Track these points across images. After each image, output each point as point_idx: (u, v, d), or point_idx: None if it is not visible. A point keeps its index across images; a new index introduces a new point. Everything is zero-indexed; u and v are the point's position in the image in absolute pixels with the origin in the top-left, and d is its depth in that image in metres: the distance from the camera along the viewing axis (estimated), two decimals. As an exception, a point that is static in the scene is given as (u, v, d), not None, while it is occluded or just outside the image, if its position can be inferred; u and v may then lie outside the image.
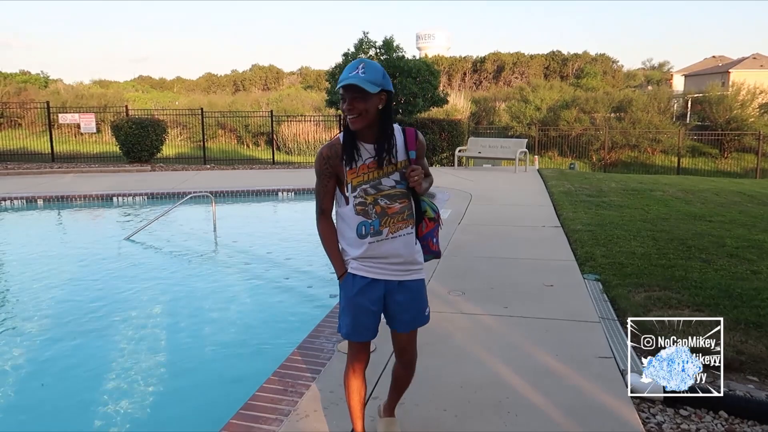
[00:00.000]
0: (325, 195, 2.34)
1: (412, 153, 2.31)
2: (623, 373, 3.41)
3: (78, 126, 19.95)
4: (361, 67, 2.15)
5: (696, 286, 4.97)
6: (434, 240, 2.45)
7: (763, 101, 26.78)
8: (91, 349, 4.68)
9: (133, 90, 46.67)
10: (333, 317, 4.42)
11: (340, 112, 19.87)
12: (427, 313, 2.47)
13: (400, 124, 2.37)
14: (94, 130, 19.91)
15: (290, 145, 25.74)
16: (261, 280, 6.52)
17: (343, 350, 3.75)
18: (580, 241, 6.82)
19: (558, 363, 3.58)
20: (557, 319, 4.33)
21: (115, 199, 11.28)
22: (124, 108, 20.42)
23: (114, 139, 17.85)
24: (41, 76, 46.40)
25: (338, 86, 2.16)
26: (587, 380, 3.35)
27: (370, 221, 2.26)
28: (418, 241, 2.40)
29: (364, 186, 2.24)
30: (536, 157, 20.32)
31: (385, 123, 2.24)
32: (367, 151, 2.26)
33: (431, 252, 2.46)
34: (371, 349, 2.57)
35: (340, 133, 2.35)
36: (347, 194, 2.27)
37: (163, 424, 3.57)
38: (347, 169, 2.24)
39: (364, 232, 2.28)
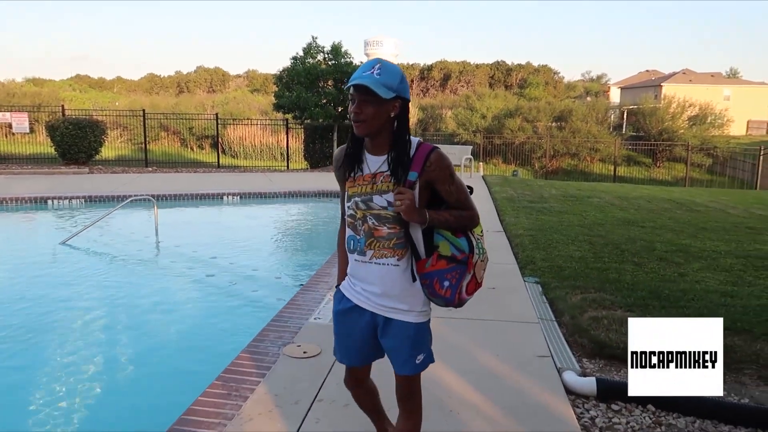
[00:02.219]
0: (341, 200, 2.17)
1: (412, 174, 1.97)
2: (560, 371, 3.56)
3: (9, 125, 19.02)
4: (377, 67, 1.92)
5: (628, 288, 5.22)
6: (444, 283, 2.00)
7: (692, 114, 28.34)
8: (24, 357, 4.49)
9: (70, 89, 44.84)
10: (278, 321, 4.41)
11: (288, 116, 19.76)
12: (419, 361, 2.12)
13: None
14: (28, 130, 19.02)
15: (236, 149, 25.39)
16: (205, 285, 6.41)
17: (288, 353, 3.75)
18: (521, 245, 7.04)
19: (499, 363, 3.70)
20: (499, 321, 4.46)
21: (50, 202, 10.81)
22: (60, 107, 19.61)
23: (49, 139, 17.12)
24: (-31, 72, 43.97)
25: (348, 85, 1.94)
26: (526, 379, 3.48)
27: (357, 237, 2.07)
28: (415, 278, 2.05)
29: (356, 198, 2.03)
30: (481, 163, 20.80)
31: (399, 134, 1.99)
32: (368, 162, 2.03)
33: (438, 296, 2.02)
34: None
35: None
36: (345, 203, 2.10)
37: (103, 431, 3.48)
38: (347, 177, 2.07)
39: (351, 247, 2.10)
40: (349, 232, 2.10)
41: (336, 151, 2.15)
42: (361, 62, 22.23)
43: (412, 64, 58.22)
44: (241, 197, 12.00)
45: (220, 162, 20.23)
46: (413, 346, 2.10)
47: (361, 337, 2.16)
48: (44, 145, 19.30)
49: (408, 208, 1.91)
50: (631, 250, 6.81)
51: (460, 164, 15.86)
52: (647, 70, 60.74)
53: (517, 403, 3.19)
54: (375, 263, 2.05)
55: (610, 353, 3.84)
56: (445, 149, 17.74)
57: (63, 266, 7.10)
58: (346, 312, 2.16)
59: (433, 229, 2.02)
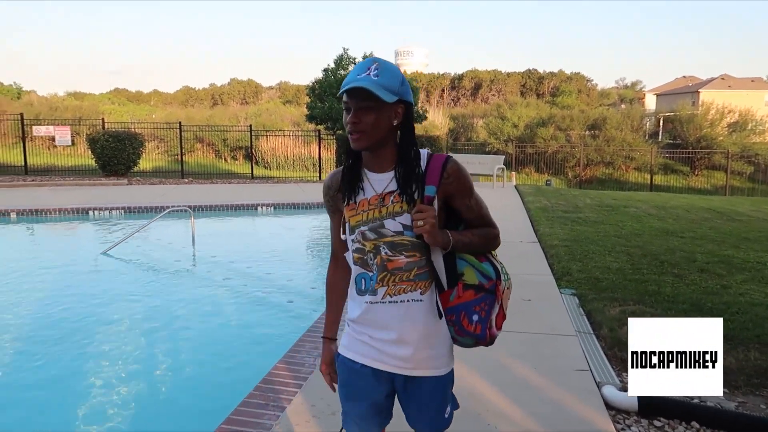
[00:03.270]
0: (334, 234, 1.86)
1: (430, 189, 1.66)
2: (599, 386, 3.49)
3: (52, 138, 19.69)
4: (374, 67, 1.60)
5: (668, 300, 5.10)
6: (473, 317, 1.70)
7: (732, 121, 27.61)
8: (67, 365, 4.62)
9: (109, 102, 46.21)
10: (314, 332, 4.44)
11: (320, 127, 19.96)
12: (447, 416, 1.84)
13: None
14: (69, 143, 19.66)
15: (269, 160, 25.72)
16: (241, 295, 6.50)
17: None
18: (556, 256, 6.95)
19: (536, 375, 3.66)
20: (535, 333, 4.41)
21: (91, 212, 11.14)
22: (101, 120, 20.22)
23: (89, 152, 17.66)
24: (14, 87, 45.72)
25: (342, 90, 1.62)
26: (565, 392, 3.42)
27: (370, 274, 1.71)
28: (442, 314, 1.72)
29: (362, 228, 1.69)
30: (513, 173, 20.63)
31: (404, 145, 1.68)
32: (371, 182, 1.71)
33: (468, 333, 1.71)
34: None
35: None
36: (347, 236, 1.77)
37: (143, 440, 3.55)
38: (346, 204, 1.74)
39: (363, 287, 1.73)
40: (357, 270, 1.74)
41: (327, 176, 1.84)
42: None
43: (442, 74, 58.28)
44: (275, 208, 12.16)
45: (254, 173, 20.53)
46: (443, 401, 1.80)
47: (376, 401, 1.80)
48: (85, 157, 19.92)
49: (432, 228, 1.60)
50: (670, 261, 6.66)
51: (492, 174, 15.77)
52: (684, 76, 59.50)
53: (556, 417, 3.14)
54: (390, 302, 1.69)
55: (651, 367, 3.75)
56: (477, 159, 17.69)
57: (104, 275, 7.29)
58: (354, 375, 1.78)
59: (454, 253, 1.71)
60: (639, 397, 3.30)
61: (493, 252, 1.79)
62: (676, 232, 8.75)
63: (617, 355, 4.08)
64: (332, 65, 18.97)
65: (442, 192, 1.69)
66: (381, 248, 1.67)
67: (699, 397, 3.39)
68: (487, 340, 1.73)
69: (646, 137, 28.78)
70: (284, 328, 5.41)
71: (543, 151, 26.11)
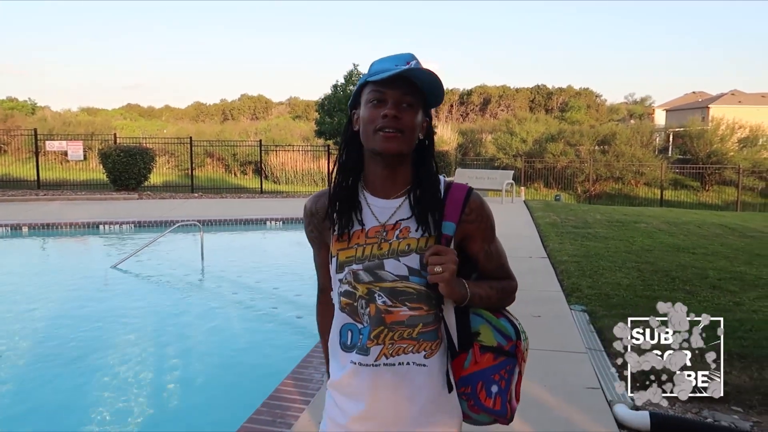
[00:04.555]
0: (320, 266, 1.51)
1: (449, 226, 1.34)
2: (611, 404, 3.44)
3: (65, 153, 19.92)
4: (414, 63, 1.30)
5: (680, 318, 5.04)
6: (492, 389, 1.35)
7: (742, 136, 27.49)
8: (75, 379, 4.62)
9: (121, 118, 46.73)
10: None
11: (329, 142, 20.04)
12: None
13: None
14: (82, 158, 19.86)
15: (278, 175, 25.83)
16: (249, 309, 6.50)
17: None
18: (566, 272, 6.90)
19: (546, 394, 3.61)
20: (545, 350, 4.36)
21: (102, 227, 11.21)
22: (113, 135, 20.43)
23: (101, 166, 17.84)
24: (28, 102, 46.39)
25: (386, 75, 1.26)
26: (575, 411, 3.38)
27: (359, 326, 1.35)
28: (452, 387, 1.36)
29: (355, 266, 1.34)
30: (522, 188, 20.59)
31: (426, 164, 1.37)
32: (373, 209, 1.36)
33: (485, 409, 1.36)
34: None
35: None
36: (333, 274, 1.39)
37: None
38: (333, 234, 1.38)
39: (349, 342, 1.36)
40: (344, 319, 1.37)
41: (309, 200, 1.46)
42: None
43: (451, 89, 58.48)
44: (283, 222, 12.18)
45: (263, 187, 20.63)
46: None
47: None
48: (97, 172, 20.11)
49: (452, 276, 1.26)
50: (682, 277, 6.59)
51: (501, 189, 15.76)
52: (693, 92, 59.33)
53: (566, 436, 3.10)
54: (385, 365, 1.32)
55: (664, 386, 3.70)
56: (486, 173, 17.67)
57: (114, 289, 7.32)
58: None
59: (467, 308, 1.37)
60: (651, 416, 3.25)
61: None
62: (688, 248, 8.68)
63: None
64: (342, 81, 19.13)
65: (461, 231, 1.36)
66: (377, 295, 1.32)
67: (713, 417, 3.34)
68: (508, 416, 1.37)
69: (656, 152, 28.71)
70: (292, 343, 5.40)
71: (552, 167, 26.06)
